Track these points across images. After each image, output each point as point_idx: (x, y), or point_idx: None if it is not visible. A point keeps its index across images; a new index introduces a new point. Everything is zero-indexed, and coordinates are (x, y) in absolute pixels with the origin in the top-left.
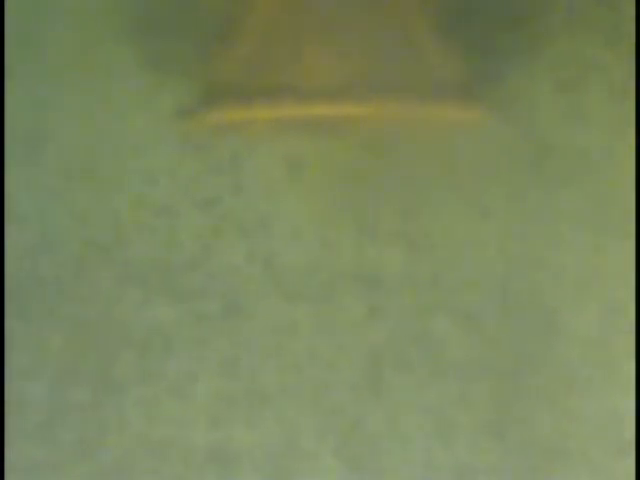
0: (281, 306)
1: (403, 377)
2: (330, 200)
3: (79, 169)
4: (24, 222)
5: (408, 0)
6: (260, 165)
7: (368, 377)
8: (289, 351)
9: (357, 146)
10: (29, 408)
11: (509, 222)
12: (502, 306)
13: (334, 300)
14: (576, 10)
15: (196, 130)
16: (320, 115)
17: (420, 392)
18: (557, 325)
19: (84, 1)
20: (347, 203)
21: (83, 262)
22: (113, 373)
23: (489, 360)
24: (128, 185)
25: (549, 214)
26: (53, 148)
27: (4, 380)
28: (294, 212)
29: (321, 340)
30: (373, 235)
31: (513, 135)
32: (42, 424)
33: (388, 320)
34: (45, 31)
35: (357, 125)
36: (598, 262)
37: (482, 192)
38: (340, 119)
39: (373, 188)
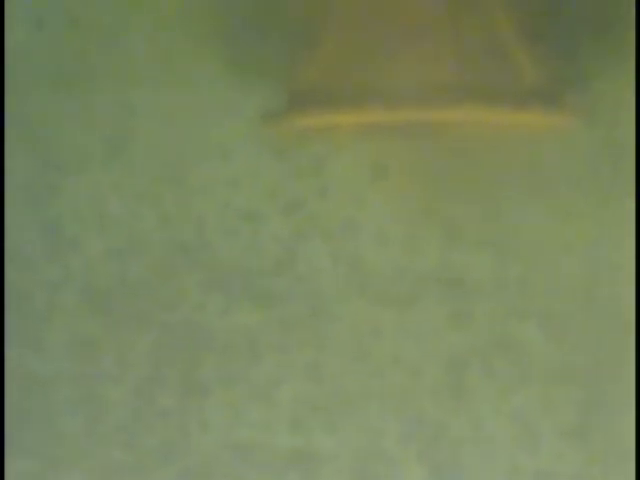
0: (365, 310)
1: (487, 382)
2: (415, 204)
3: (165, 173)
4: (111, 226)
5: (496, 3)
6: (345, 169)
7: (452, 382)
8: (373, 356)
9: (443, 151)
10: (113, 412)
11: (593, 227)
12: (586, 311)
13: (419, 304)
14: None
15: (281, 134)
16: (406, 120)
17: (504, 397)
18: None
19: (168, 4)
20: (433, 207)
21: (168, 266)
22: (197, 377)
23: (573, 365)
24: (213, 189)
25: (633, 219)
26: (139, 152)
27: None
28: (379, 216)
29: (405, 345)
30: (458, 239)
31: (597, 140)
32: (125, 428)
33: (472, 325)
34: (131, 34)
35: (443, 130)
36: None
37: (567, 196)
38: (426, 124)
39: (459, 192)
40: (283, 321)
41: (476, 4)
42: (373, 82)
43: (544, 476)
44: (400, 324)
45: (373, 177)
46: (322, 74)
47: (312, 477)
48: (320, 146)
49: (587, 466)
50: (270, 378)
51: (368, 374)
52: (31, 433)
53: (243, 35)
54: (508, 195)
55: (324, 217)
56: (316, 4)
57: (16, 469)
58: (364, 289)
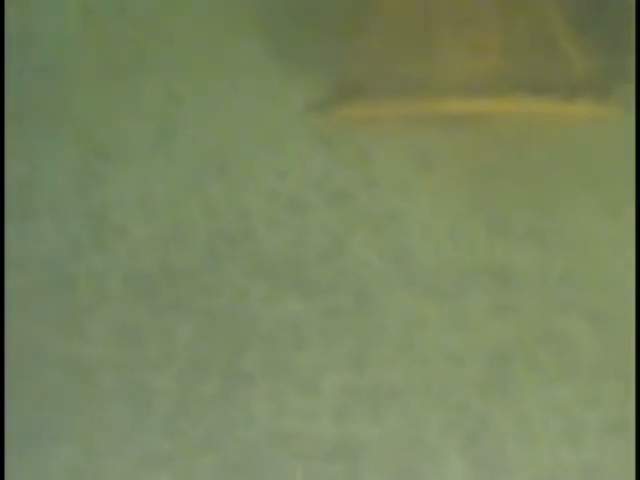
0: (411, 301)
1: (531, 375)
2: (461, 196)
3: (210, 162)
4: (156, 214)
5: None
6: (391, 160)
7: (496, 374)
8: (417, 347)
9: (489, 142)
10: (157, 400)
11: None
12: (631, 305)
13: (464, 296)
14: None
15: (327, 125)
16: (452, 111)
17: (548, 390)
18: None
19: None
20: (478, 199)
21: (213, 255)
22: (241, 366)
23: (618, 359)
24: (258, 179)
25: None
26: (186, 141)
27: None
28: (425, 207)
29: (450, 336)
30: (504, 232)
31: None
32: (169, 416)
33: (517, 317)
34: (180, 23)
35: (489, 121)
36: None
37: (614, 189)
38: (472, 115)
39: (505, 184)
40: (328, 311)
41: None
42: (420, 73)
43: (588, 470)
44: (445, 315)
45: (419, 168)
46: (369, 64)
47: (355, 467)
48: (366, 137)
49: (631, 460)
50: (314, 367)
51: (412, 365)
52: (75, 421)
53: (291, 25)
54: (555, 187)
55: (370, 208)
56: None
57: (60, 457)
58: (409, 280)
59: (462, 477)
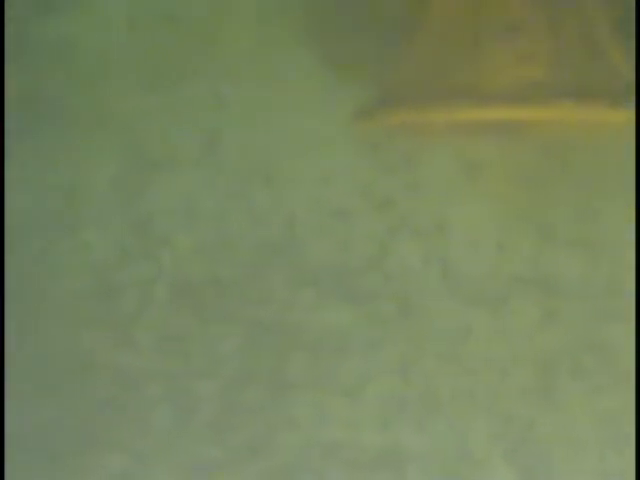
0: (456, 309)
1: (577, 384)
2: (507, 203)
3: (256, 169)
4: (201, 222)
5: (591, 1)
6: (437, 167)
7: (542, 383)
8: (463, 355)
9: (536, 150)
10: (202, 408)
11: None
12: None
13: (510, 305)
14: None
15: (373, 131)
16: (499, 118)
17: (594, 399)
18: None
19: (263, 3)
20: (525, 207)
21: (258, 263)
22: (285, 375)
23: None
24: (304, 186)
25: None
26: (231, 148)
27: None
28: (471, 215)
29: (495, 345)
30: (551, 240)
31: None
32: (214, 424)
33: (564, 326)
34: (226, 30)
35: (536, 128)
36: None
37: None
38: (519, 122)
39: (551, 192)
40: (373, 319)
41: (571, 1)
42: (467, 79)
43: (632, 478)
44: (491, 324)
45: (465, 175)
46: (415, 71)
47: (399, 476)
48: (412, 143)
49: None
50: (358, 376)
51: (457, 374)
52: (121, 428)
53: (337, 31)
54: (601, 194)
55: (415, 215)
56: (411, 4)
57: (105, 464)
58: (455, 288)
59: None
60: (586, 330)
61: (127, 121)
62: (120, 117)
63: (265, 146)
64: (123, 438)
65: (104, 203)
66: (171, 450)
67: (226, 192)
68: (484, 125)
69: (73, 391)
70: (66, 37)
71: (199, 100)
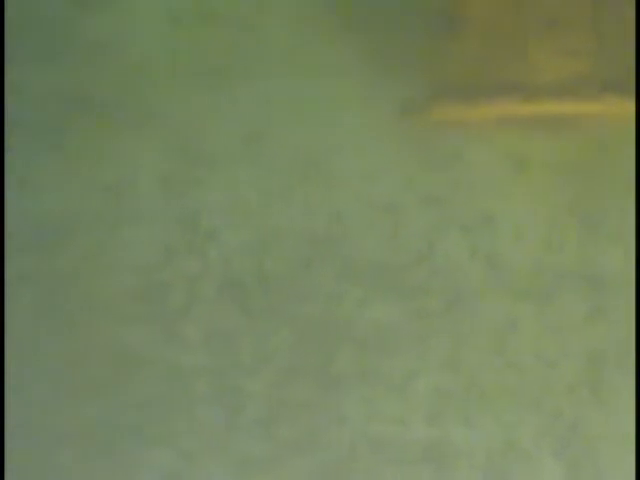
0: (503, 304)
1: (624, 379)
2: (554, 198)
3: (302, 165)
4: (249, 218)
5: None
6: (483, 162)
7: (589, 378)
8: (510, 350)
9: (582, 143)
10: (250, 404)
11: None
12: None
13: (557, 300)
14: None
15: (419, 127)
16: (545, 112)
17: None
18: None
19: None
20: (571, 202)
21: (306, 259)
22: (334, 370)
23: None
24: (351, 181)
25: None
26: (277, 144)
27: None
28: (517, 210)
29: (542, 340)
30: (597, 235)
31: None
32: (262, 420)
33: (611, 320)
34: (270, 26)
35: (582, 122)
36: None
37: None
38: (566, 117)
39: (598, 187)
40: (420, 314)
41: None
42: (512, 74)
43: None
44: (538, 319)
45: (511, 170)
46: (461, 67)
47: (447, 471)
48: (459, 138)
49: None
50: (406, 371)
51: (505, 368)
52: (169, 424)
53: (385, 27)
54: None
55: (462, 210)
56: None
57: (154, 460)
58: (502, 283)
59: None
60: (633, 325)
61: (172, 118)
62: (165, 115)
63: (311, 142)
64: (172, 434)
65: (150, 200)
66: (220, 446)
67: (272, 188)
68: (530, 120)
69: (121, 388)
70: (110, 36)
71: (244, 96)
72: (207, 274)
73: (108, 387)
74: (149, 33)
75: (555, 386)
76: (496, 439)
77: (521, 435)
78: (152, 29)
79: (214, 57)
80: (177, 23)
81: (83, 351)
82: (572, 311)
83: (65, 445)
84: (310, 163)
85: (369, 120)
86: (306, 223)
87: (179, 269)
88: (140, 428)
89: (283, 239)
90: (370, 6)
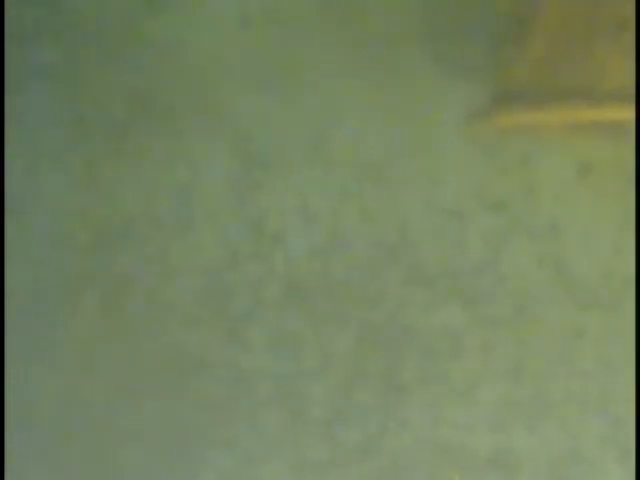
0: (570, 312)
1: None
2: (622, 204)
3: (368, 169)
4: (314, 223)
5: None
6: (551, 168)
7: None
8: (575, 357)
9: None
10: (313, 408)
11: None
12: None
13: (624, 307)
14: None
15: (486, 132)
16: (612, 118)
17: None
18: None
19: (376, 4)
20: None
21: (371, 263)
22: (398, 375)
23: None
24: (417, 186)
25: None
26: (343, 148)
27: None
28: (585, 216)
29: (609, 347)
30: None
31: None
32: (325, 424)
33: None
34: (336, 30)
35: None
36: None
37: None
38: (633, 122)
39: None
40: (485, 321)
41: None
42: (579, 80)
43: None
44: (604, 326)
45: (579, 176)
46: (528, 72)
47: (510, 478)
48: (526, 144)
49: None
50: (471, 378)
51: (570, 376)
52: (232, 427)
53: (450, 32)
54: None
55: (529, 216)
56: (524, 4)
57: (216, 462)
58: (568, 290)
59: None
60: None
61: (239, 121)
62: (232, 117)
63: (377, 145)
64: (234, 437)
65: (217, 203)
66: (281, 450)
67: (338, 192)
68: (598, 125)
69: (185, 390)
70: (177, 37)
71: (311, 99)
72: (272, 278)
73: (171, 390)
74: (217, 34)
75: (620, 393)
76: (560, 446)
77: (585, 442)
78: (220, 30)
79: (282, 59)
80: (246, 24)
81: (147, 354)
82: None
83: (128, 446)
84: (376, 167)
85: (436, 125)
86: (371, 227)
87: (244, 272)
88: (203, 431)
89: (349, 243)
90: (438, 11)
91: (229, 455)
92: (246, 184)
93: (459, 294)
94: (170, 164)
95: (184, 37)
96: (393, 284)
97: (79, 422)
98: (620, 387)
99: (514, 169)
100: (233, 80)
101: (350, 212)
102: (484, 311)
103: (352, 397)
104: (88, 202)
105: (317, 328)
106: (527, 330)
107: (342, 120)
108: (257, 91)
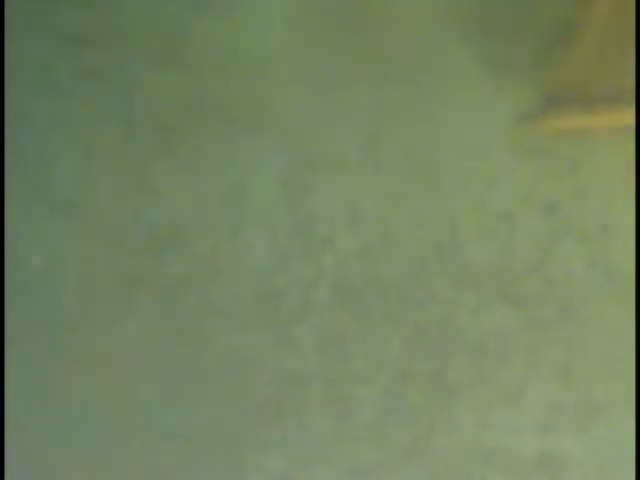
0: (619, 315)
1: None
2: None
3: (417, 171)
4: (363, 225)
5: None
6: (601, 171)
7: None
8: (624, 360)
9: None
10: (362, 410)
11: None
12: None
13: None
14: None
15: (536, 134)
16: None
17: None
18: None
19: (425, 6)
20: None
21: (420, 265)
22: (446, 377)
23: None
24: (467, 188)
25: None
26: (393, 150)
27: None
28: (634, 218)
29: None
30: None
31: None
32: (374, 426)
33: None
34: (386, 35)
35: None
36: None
37: None
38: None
39: None
40: (535, 323)
41: None
42: (628, 82)
43: None
44: None
45: (629, 179)
46: (578, 75)
47: None
48: (576, 147)
49: None
50: (519, 380)
51: (619, 378)
52: (281, 429)
53: (499, 35)
54: None
55: (579, 219)
56: (572, 6)
57: (265, 464)
58: (617, 292)
59: None
60: None
61: (289, 123)
62: (282, 119)
63: (426, 148)
64: (283, 439)
65: (266, 205)
66: (330, 452)
67: (387, 194)
68: None
69: (234, 391)
70: (226, 39)
71: (360, 101)
72: (321, 280)
73: (221, 391)
74: (267, 36)
75: None
76: (609, 449)
77: (633, 445)
78: (270, 32)
79: (331, 61)
80: (295, 27)
81: (197, 355)
82: None
83: (178, 447)
84: (426, 169)
85: (485, 127)
86: (421, 229)
87: (294, 274)
88: (251, 432)
89: (398, 245)
90: (485, 14)
91: (278, 457)
92: (296, 186)
93: (508, 296)
94: (220, 166)
95: (233, 39)
96: (442, 286)
97: (131, 422)
98: None
99: (564, 172)
100: (283, 82)
101: (399, 214)
102: (533, 313)
103: (401, 399)
104: (139, 204)
105: (366, 329)
106: (576, 332)
107: (391, 122)
108: (306, 93)
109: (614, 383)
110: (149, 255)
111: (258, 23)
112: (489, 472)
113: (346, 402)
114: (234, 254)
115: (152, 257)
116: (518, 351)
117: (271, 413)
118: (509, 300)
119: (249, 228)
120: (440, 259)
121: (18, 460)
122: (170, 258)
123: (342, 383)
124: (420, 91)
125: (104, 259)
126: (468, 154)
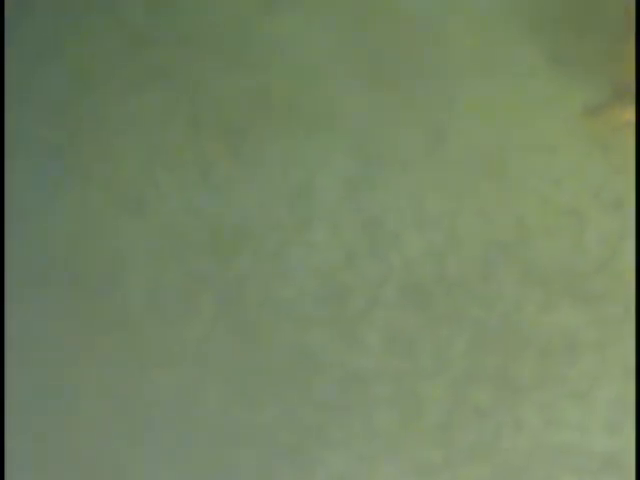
0: None
1: None
2: None
3: (485, 168)
4: (430, 222)
5: None
6: None
7: None
8: None
9: None
10: (428, 408)
11: None
12: None
13: None
14: None
15: (604, 130)
16: None
17: None
18: None
19: (492, 1)
20: None
21: (487, 263)
22: (513, 376)
23: None
24: (534, 185)
25: None
26: (459, 147)
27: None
28: None
29: None
30: None
31: None
32: (440, 425)
33: None
34: (453, 28)
35: None
36: None
37: None
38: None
39: None
40: (602, 321)
41: None
42: None
43: None
44: None
45: None
46: None
47: None
48: None
49: None
50: (587, 378)
51: None
52: (346, 427)
53: (565, 29)
54: None
55: None
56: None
57: (329, 462)
58: None
59: None
60: None
61: (354, 121)
62: (346, 117)
63: (493, 144)
64: (349, 437)
65: (333, 203)
66: (395, 451)
67: (454, 191)
68: None
69: (300, 390)
70: (290, 36)
71: (425, 98)
72: (388, 278)
73: (287, 389)
74: (331, 34)
75: None
76: None
77: None
78: (334, 30)
79: (395, 58)
80: (359, 24)
81: (262, 353)
82: None
83: (242, 445)
84: (493, 166)
85: (551, 124)
86: (488, 227)
87: (360, 272)
88: (318, 430)
89: (465, 243)
90: (551, 10)
91: (343, 455)
92: (362, 184)
93: (575, 294)
94: (286, 164)
95: (297, 39)
96: (509, 283)
97: (195, 421)
98: None
99: (632, 168)
100: (347, 81)
101: (466, 211)
102: (601, 310)
103: (467, 397)
104: (204, 202)
105: (433, 328)
106: None
107: (457, 119)
108: (371, 90)
109: None
110: (214, 254)
111: (322, 22)
112: (557, 472)
113: (412, 400)
114: (300, 253)
115: (217, 256)
116: (586, 349)
117: (336, 411)
118: (577, 298)
119: (315, 226)
120: (507, 256)
121: (84, 460)
122: (235, 257)
123: (408, 381)
124: (485, 87)
125: (169, 258)
126: (535, 150)
